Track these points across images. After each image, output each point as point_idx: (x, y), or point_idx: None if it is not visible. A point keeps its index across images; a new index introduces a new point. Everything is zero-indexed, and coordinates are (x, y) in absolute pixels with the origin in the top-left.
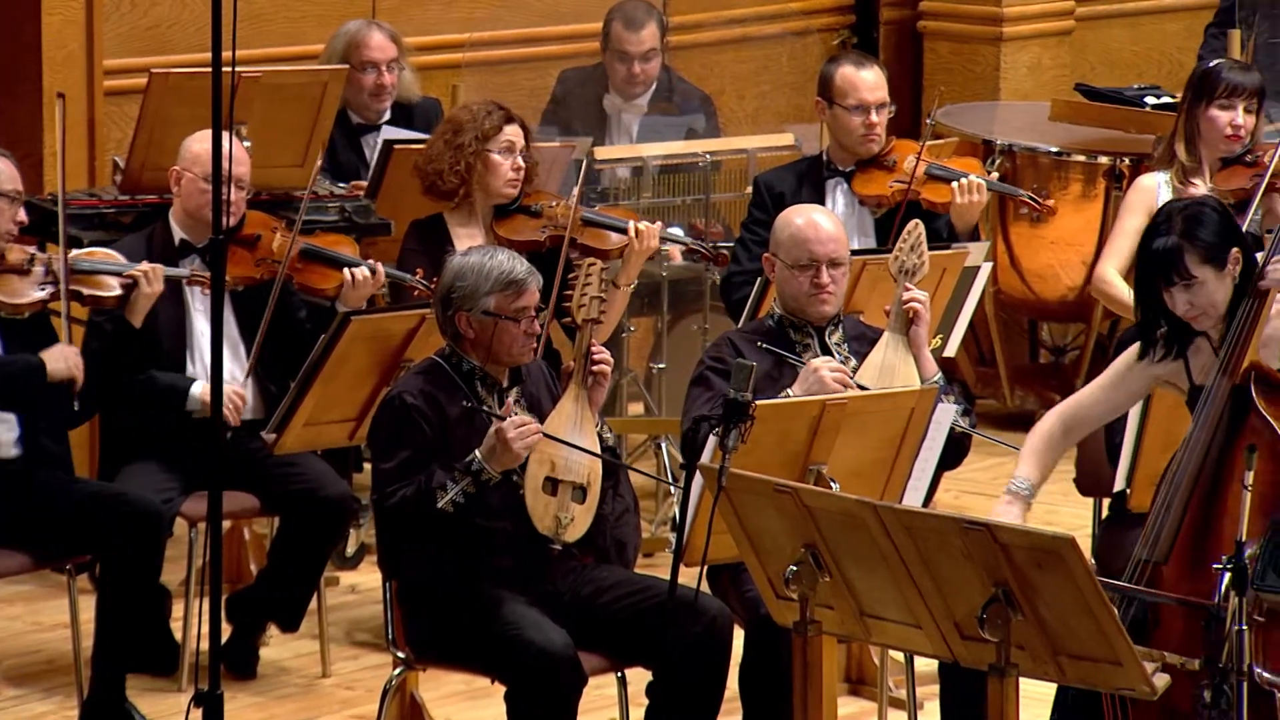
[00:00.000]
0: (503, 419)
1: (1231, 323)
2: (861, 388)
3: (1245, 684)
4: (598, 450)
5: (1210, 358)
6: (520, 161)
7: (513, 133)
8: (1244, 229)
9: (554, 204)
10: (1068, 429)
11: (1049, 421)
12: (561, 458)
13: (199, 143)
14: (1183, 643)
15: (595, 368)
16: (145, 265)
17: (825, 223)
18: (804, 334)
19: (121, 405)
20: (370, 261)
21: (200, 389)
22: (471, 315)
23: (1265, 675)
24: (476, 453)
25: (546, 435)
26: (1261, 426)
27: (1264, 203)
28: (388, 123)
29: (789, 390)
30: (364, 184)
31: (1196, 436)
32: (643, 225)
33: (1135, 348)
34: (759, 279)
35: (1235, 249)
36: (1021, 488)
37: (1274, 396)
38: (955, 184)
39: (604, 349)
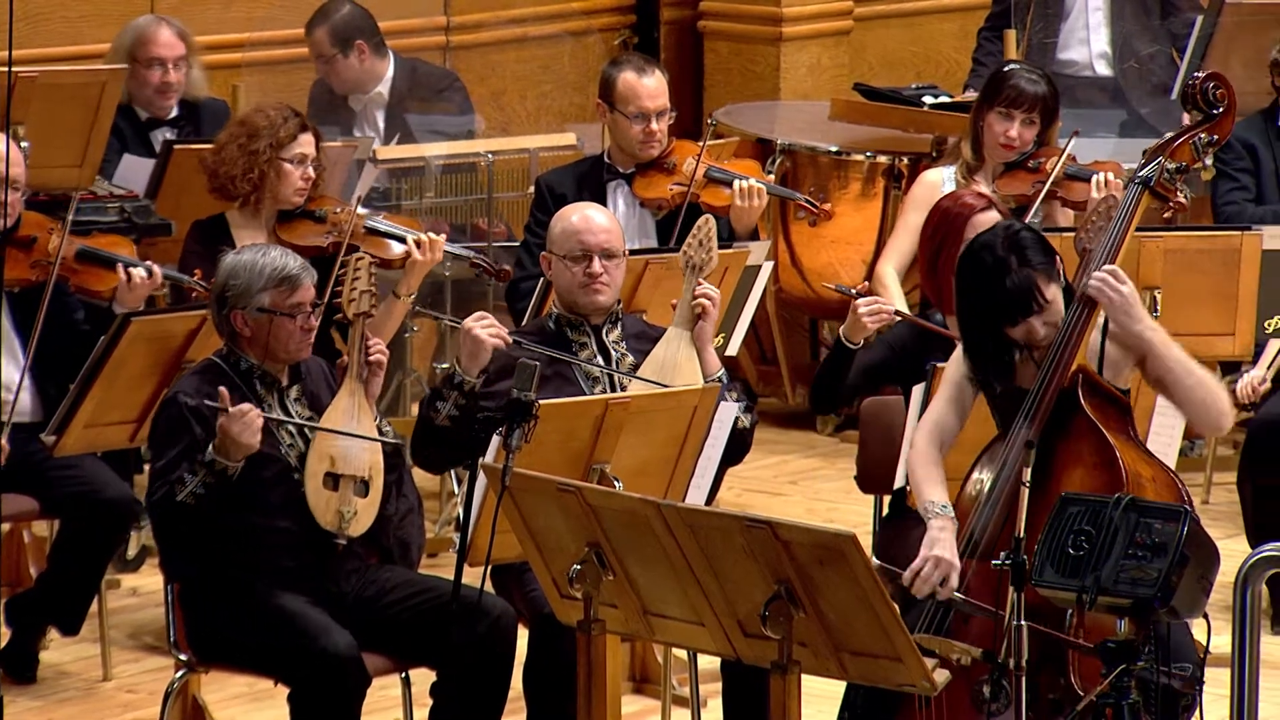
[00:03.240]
0: (223, 410)
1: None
2: (651, 382)
3: (1024, 678)
4: (376, 437)
5: (1030, 364)
6: (311, 171)
7: (306, 141)
8: None
9: (339, 210)
10: (940, 445)
11: (924, 444)
12: (340, 451)
13: None
14: (982, 635)
15: (371, 358)
16: None
17: (598, 216)
18: (581, 333)
19: None
20: (147, 263)
21: None
22: (247, 313)
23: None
24: (210, 446)
25: (270, 419)
26: (1087, 429)
27: (1044, 209)
28: (174, 119)
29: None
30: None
31: (1022, 438)
32: (426, 236)
33: (961, 363)
34: (542, 279)
35: (1057, 256)
36: (946, 510)
37: (1099, 401)
38: (734, 187)
39: (378, 340)
